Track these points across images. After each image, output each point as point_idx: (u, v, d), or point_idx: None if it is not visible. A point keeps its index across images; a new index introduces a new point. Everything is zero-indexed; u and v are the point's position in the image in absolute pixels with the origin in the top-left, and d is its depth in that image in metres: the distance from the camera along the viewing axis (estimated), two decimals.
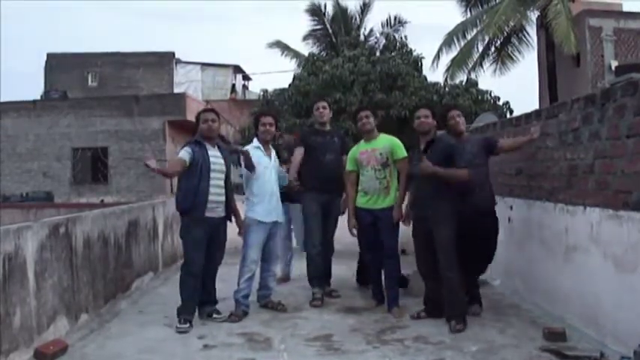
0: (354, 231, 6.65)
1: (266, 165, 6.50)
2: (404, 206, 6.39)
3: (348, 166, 6.69)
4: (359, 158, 6.52)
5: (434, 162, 5.86)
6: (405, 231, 6.42)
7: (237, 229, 6.47)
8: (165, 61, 35.79)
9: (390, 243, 6.41)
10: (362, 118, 6.54)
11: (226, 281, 6.64)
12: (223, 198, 6.10)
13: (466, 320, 5.77)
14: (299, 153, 7.11)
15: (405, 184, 6.32)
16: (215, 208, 6.02)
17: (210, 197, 5.95)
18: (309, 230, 7.09)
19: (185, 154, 5.95)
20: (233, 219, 6.39)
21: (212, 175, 5.97)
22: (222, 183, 6.10)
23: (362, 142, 6.63)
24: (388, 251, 6.43)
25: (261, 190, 6.44)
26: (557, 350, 4.93)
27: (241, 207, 6.53)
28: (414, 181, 6.16)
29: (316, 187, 6.98)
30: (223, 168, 6.13)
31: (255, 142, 6.64)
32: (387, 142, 6.49)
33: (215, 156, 6.08)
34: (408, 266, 7.01)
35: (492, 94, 16.73)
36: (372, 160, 6.42)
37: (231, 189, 6.27)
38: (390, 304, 6.43)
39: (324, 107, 7.22)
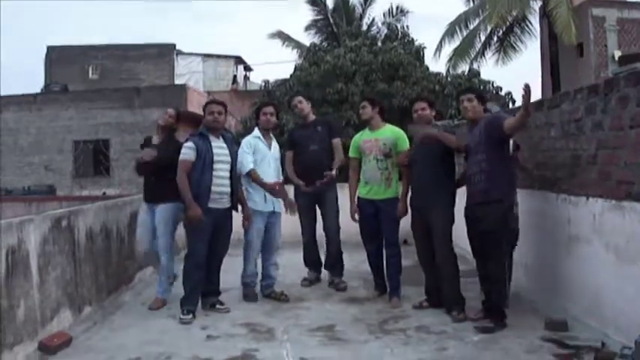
0: (357, 217, 6.71)
1: (265, 154, 6.66)
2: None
3: (351, 153, 6.77)
4: (362, 146, 6.57)
5: (431, 150, 5.93)
6: (408, 221, 6.41)
7: (243, 220, 6.51)
8: (166, 52, 35.69)
9: (390, 233, 6.45)
10: (360, 109, 6.72)
11: (229, 272, 6.67)
12: (228, 189, 6.11)
13: (465, 310, 5.80)
14: (288, 158, 7.36)
15: (408, 176, 6.33)
16: (219, 199, 6.03)
17: (214, 188, 5.96)
18: (302, 220, 7.34)
19: (189, 152, 5.95)
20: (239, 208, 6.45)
21: (215, 166, 5.97)
22: (226, 174, 6.09)
23: (367, 130, 6.67)
24: (389, 241, 6.46)
25: None
26: (558, 340, 4.96)
27: None
28: (414, 170, 6.16)
29: (303, 177, 7.16)
30: (228, 159, 6.13)
31: (256, 131, 6.80)
32: (391, 133, 6.52)
33: (219, 147, 6.09)
34: (410, 256, 7.03)
35: (495, 85, 16.63)
36: (374, 150, 6.45)
37: (237, 179, 6.30)
38: (390, 294, 6.46)
39: (299, 102, 7.37)
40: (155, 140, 6.62)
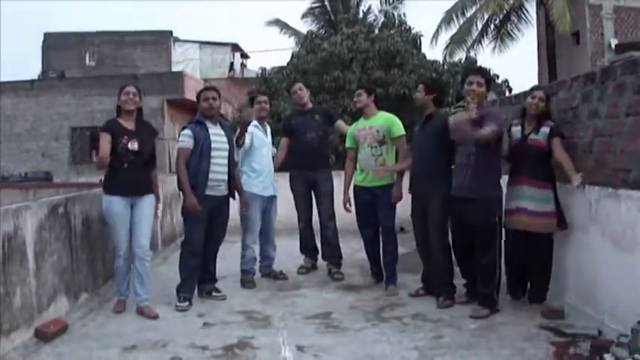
0: (349, 207, 6.77)
1: (263, 141, 6.87)
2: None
3: (347, 143, 6.86)
4: (357, 135, 6.60)
5: (429, 136, 5.93)
6: (404, 209, 6.41)
7: (241, 207, 6.54)
8: (163, 39, 35.56)
9: (387, 221, 6.45)
10: (355, 97, 6.75)
11: (226, 259, 6.69)
12: (226, 176, 6.10)
13: (454, 297, 5.85)
14: (282, 144, 7.39)
15: (403, 162, 6.34)
16: (217, 187, 6.02)
17: (211, 175, 5.95)
18: (298, 207, 7.45)
19: (187, 140, 5.95)
20: (237, 196, 6.45)
21: (213, 153, 5.96)
22: (224, 161, 6.08)
23: (361, 119, 6.69)
24: (385, 229, 6.47)
25: (259, 165, 6.78)
26: (555, 328, 4.97)
27: None
28: (413, 156, 6.15)
29: (300, 165, 7.26)
30: (226, 146, 6.12)
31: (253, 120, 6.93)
32: (384, 119, 6.52)
33: (217, 134, 6.08)
34: (406, 244, 7.04)
35: (491, 72, 16.64)
36: (368, 137, 6.46)
37: (235, 166, 6.30)
38: (386, 282, 6.48)
39: (300, 89, 7.39)
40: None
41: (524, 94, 5.92)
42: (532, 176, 5.52)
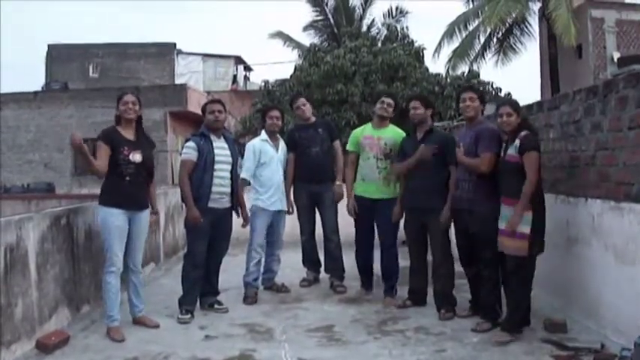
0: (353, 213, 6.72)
1: (272, 156, 6.81)
2: None
3: (349, 147, 6.76)
4: (362, 142, 6.55)
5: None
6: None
7: (242, 221, 6.58)
8: (166, 51, 35.65)
9: (388, 235, 6.44)
10: (384, 103, 6.53)
11: (228, 272, 6.68)
12: (228, 189, 6.11)
13: (455, 309, 5.84)
14: (290, 160, 7.20)
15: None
16: (219, 199, 6.03)
17: (214, 188, 5.96)
18: (300, 220, 7.37)
19: (191, 152, 5.96)
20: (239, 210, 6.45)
21: (217, 166, 5.98)
22: (227, 174, 6.09)
23: (370, 125, 6.68)
24: (385, 242, 6.46)
25: (267, 180, 6.74)
26: (557, 342, 4.95)
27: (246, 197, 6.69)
28: (409, 171, 6.08)
29: (305, 178, 7.15)
30: (229, 159, 6.13)
31: (263, 134, 6.95)
32: (394, 133, 6.51)
33: (221, 147, 6.09)
34: (407, 257, 7.01)
35: (494, 86, 16.68)
36: (375, 148, 6.43)
37: (237, 179, 6.31)
38: (385, 294, 6.49)
39: (303, 104, 7.32)
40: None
41: (494, 115, 5.86)
42: (508, 194, 5.16)
